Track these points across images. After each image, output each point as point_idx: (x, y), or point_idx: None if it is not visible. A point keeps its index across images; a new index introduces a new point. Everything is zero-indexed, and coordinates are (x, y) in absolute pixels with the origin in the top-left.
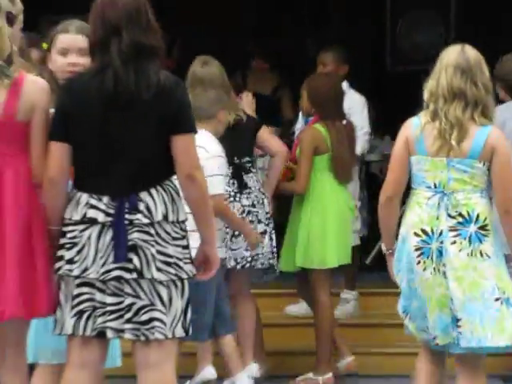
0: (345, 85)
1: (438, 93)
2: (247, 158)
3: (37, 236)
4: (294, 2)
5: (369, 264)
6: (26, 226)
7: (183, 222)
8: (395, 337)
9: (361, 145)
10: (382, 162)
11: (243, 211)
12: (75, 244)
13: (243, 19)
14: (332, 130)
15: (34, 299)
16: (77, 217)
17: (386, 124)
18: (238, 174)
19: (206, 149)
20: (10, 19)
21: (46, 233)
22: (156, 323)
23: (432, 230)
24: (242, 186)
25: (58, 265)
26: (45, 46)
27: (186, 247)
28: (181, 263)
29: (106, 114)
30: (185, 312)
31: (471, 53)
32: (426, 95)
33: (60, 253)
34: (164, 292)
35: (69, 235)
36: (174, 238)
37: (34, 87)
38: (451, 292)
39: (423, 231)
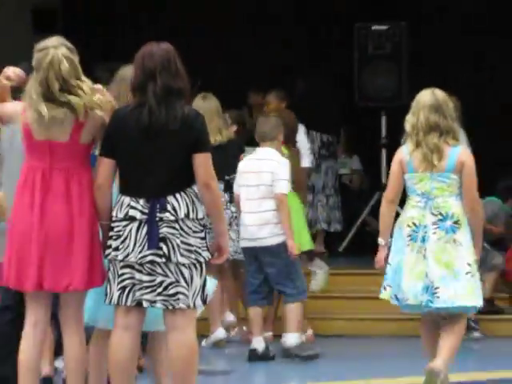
0: None
1: (418, 126)
2: (233, 175)
3: (95, 230)
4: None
5: (341, 251)
6: (90, 222)
7: (202, 219)
8: (358, 306)
9: (308, 160)
10: (351, 174)
11: (231, 216)
12: (120, 236)
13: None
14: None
15: (92, 273)
16: (121, 215)
17: (354, 145)
18: (228, 187)
19: (277, 161)
20: None
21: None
22: (180, 296)
23: (420, 223)
24: (231, 198)
25: (107, 252)
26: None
27: (204, 238)
28: (199, 250)
29: (142, 140)
30: (203, 288)
31: (439, 93)
32: (408, 128)
33: (109, 242)
34: (186, 272)
35: (115, 229)
36: (194, 232)
37: None
38: (429, 268)
39: (413, 224)
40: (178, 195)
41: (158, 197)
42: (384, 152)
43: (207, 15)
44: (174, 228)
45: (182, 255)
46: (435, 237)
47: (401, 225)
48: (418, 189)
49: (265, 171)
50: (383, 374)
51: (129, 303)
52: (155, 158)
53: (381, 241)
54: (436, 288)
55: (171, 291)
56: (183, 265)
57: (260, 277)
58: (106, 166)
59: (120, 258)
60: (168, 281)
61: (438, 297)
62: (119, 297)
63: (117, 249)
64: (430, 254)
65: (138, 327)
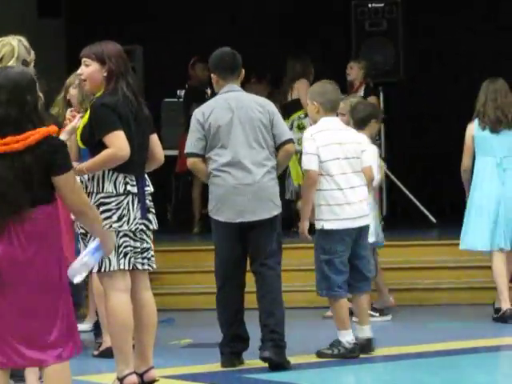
0: None
1: None
2: None
3: None
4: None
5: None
6: None
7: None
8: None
9: None
10: None
11: None
12: (119, 208)
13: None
14: None
15: None
16: (120, 190)
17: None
18: None
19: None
20: (24, 65)
21: None
22: (152, 259)
23: None
24: None
25: (106, 223)
26: None
27: None
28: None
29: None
30: None
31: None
32: None
33: (107, 215)
34: (150, 239)
35: (113, 203)
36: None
37: None
38: None
39: None
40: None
41: (142, 174)
42: (382, 126)
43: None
44: (150, 200)
45: (155, 223)
46: None
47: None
48: None
49: None
50: None
51: (127, 267)
52: (141, 139)
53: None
54: None
55: (150, 255)
56: (153, 232)
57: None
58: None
59: (124, 228)
60: (147, 246)
61: None
62: (119, 263)
63: (118, 220)
64: None
65: (129, 290)
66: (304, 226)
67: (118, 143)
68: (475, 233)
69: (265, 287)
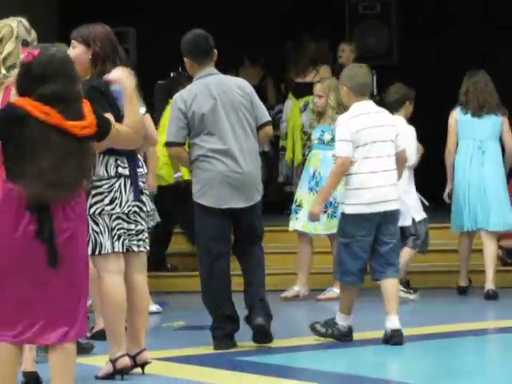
0: None
1: None
2: None
3: None
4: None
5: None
6: None
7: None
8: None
9: None
10: None
11: None
12: (111, 191)
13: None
14: None
15: None
16: (112, 173)
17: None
18: None
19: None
20: (24, 45)
21: None
22: (146, 240)
23: None
24: None
25: (98, 207)
26: None
27: None
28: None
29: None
30: None
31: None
32: None
33: (98, 198)
34: (144, 220)
35: (105, 186)
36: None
37: None
38: None
39: None
40: (138, 154)
41: (134, 155)
42: None
43: None
44: (142, 182)
45: (149, 205)
46: None
47: None
48: None
49: None
50: None
51: (120, 250)
52: None
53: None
54: None
55: (144, 236)
56: (146, 213)
57: None
58: None
59: (116, 210)
60: (141, 227)
61: None
62: (113, 245)
63: (110, 203)
64: None
65: (123, 272)
66: (318, 208)
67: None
68: (461, 214)
69: (255, 261)
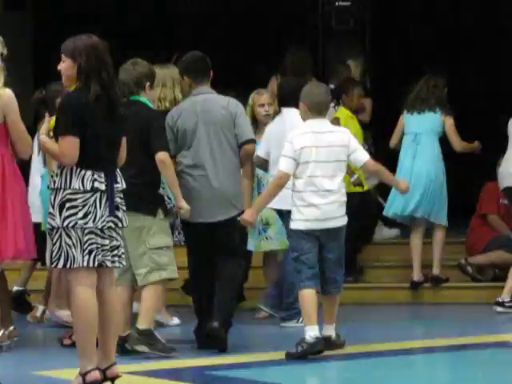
0: None
1: None
2: None
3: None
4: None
5: None
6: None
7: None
8: None
9: None
10: None
11: None
12: (85, 205)
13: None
14: None
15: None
16: (87, 187)
17: None
18: None
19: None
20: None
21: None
22: (123, 256)
23: None
24: None
25: (71, 221)
26: None
27: None
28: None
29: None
30: None
31: None
32: None
33: (72, 211)
34: (120, 236)
35: (79, 200)
36: (122, 200)
37: None
38: None
39: None
40: (118, 170)
41: (112, 170)
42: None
43: None
44: (120, 197)
45: (125, 221)
46: None
47: None
48: None
49: None
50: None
51: (91, 265)
52: (113, 137)
53: None
54: None
55: (120, 252)
56: (122, 229)
57: None
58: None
59: (89, 225)
60: (117, 243)
61: None
62: (84, 259)
63: (84, 217)
64: None
65: (95, 286)
66: (254, 215)
67: (63, 147)
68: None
69: (227, 275)
